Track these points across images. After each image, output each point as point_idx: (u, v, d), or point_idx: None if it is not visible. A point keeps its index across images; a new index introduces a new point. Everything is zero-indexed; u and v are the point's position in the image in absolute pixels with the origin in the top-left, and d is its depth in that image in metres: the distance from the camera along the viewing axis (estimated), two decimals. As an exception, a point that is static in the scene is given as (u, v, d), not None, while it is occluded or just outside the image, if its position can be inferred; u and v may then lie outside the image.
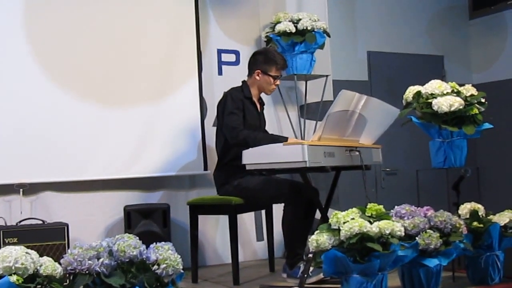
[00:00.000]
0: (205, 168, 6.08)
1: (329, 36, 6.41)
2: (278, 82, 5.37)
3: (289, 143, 4.51)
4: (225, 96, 5.26)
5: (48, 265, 3.17)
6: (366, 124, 4.86)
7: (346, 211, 3.85)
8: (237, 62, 6.45)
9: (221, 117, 5.20)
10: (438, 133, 4.85)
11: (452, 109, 4.65)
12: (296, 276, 4.79)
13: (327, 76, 6.53)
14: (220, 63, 6.42)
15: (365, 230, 3.68)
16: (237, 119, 5.09)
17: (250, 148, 4.64)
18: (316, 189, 5.18)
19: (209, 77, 6.30)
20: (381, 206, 3.96)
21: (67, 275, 3.26)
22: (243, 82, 5.39)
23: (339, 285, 3.95)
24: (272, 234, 5.70)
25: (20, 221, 5.13)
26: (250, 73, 5.38)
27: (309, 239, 3.87)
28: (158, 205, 5.75)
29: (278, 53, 5.45)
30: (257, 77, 5.31)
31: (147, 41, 5.95)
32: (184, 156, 6.02)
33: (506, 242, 4.65)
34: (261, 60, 5.32)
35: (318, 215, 5.06)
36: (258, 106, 5.43)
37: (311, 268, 4.55)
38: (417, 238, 4.08)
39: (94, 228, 5.67)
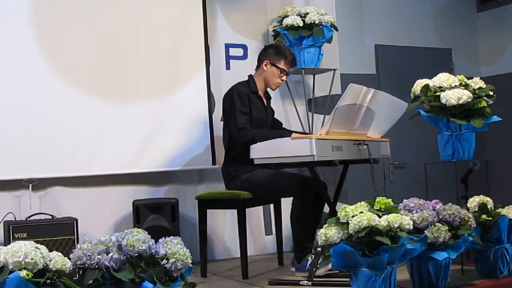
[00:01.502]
0: (214, 163, 6.09)
1: (336, 30, 6.41)
2: (284, 77, 5.36)
3: (297, 137, 4.51)
4: (231, 91, 5.25)
5: (57, 260, 3.19)
6: (374, 118, 4.86)
7: (354, 205, 3.85)
8: (244, 56, 6.45)
9: (228, 114, 5.20)
10: (446, 126, 4.84)
11: (460, 102, 4.63)
12: (304, 269, 4.80)
13: (334, 70, 6.53)
14: (228, 57, 6.42)
15: (373, 224, 3.68)
16: (245, 119, 5.09)
17: (258, 143, 4.64)
18: (324, 183, 5.18)
19: (217, 72, 6.30)
20: (389, 200, 3.97)
21: (77, 269, 3.27)
22: (249, 76, 5.39)
23: (347, 279, 3.96)
24: (281, 228, 5.71)
25: (30, 216, 5.14)
26: (258, 65, 5.39)
27: (318, 233, 3.88)
28: (167, 199, 5.76)
29: (289, 49, 5.47)
30: (265, 68, 5.31)
31: (154, 35, 5.95)
32: (192, 151, 6.03)
33: (515, 235, 4.65)
34: (271, 52, 5.34)
35: (326, 209, 5.06)
36: (265, 100, 5.43)
37: (320, 262, 4.56)
38: (425, 231, 4.08)
39: (103, 223, 5.69)
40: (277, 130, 5.42)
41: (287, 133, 5.00)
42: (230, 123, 5.16)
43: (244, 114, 5.11)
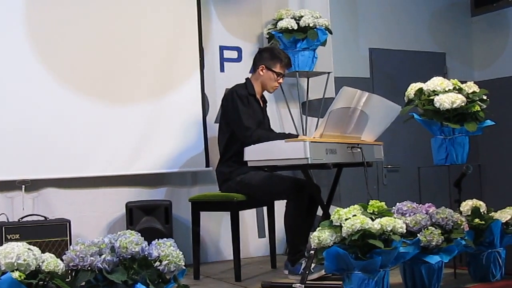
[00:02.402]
0: (207, 165, 6.08)
1: (331, 33, 6.41)
2: (281, 80, 5.38)
3: (291, 140, 4.51)
4: (231, 93, 5.25)
5: (50, 262, 3.17)
6: (368, 121, 4.86)
7: (348, 208, 3.85)
8: (239, 59, 6.45)
9: (231, 115, 5.18)
10: (440, 130, 4.85)
11: (454, 106, 4.64)
12: (298, 272, 4.80)
13: (329, 73, 6.53)
14: (222, 59, 6.43)
15: (366, 227, 3.68)
16: (250, 119, 5.10)
17: (252, 145, 4.64)
18: (318, 186, 5.19)
19: (211, 74, 6.30)
20: (383, 203, 3.97)
21: (69, 271, 3.26)
22: (247, 79, 5.40)
23: (340, 282, 3.96)
24: (274, 231, 5.71)
25: (22, 218, 5.14)
26: (255, 69, 5.39)
27: (311, 236, 3.88)
28: (160, 201, 5.75)
29: (283, 52, 5.48)
30: (261, 73, 5.32)
31: (149, 37, 5.95)
32: (186, 153, 6.03)
33: (508, 239, 4.65)
34: (266, 56, 5.34)
35: (320, 211, 5.07)
36: (261, 103, 5.43)
37: (313, 265, 4.56)
38: (418, 235, 4.09)
39: (96, 224, 5.68)
40: (283, 133, 5.44)
41: (293, 136, 5.01)
42: (234, 124, 5.16)
43: (248, 115, 5.12)
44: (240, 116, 5.10)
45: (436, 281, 4.21)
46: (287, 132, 5.75)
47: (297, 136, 5.01)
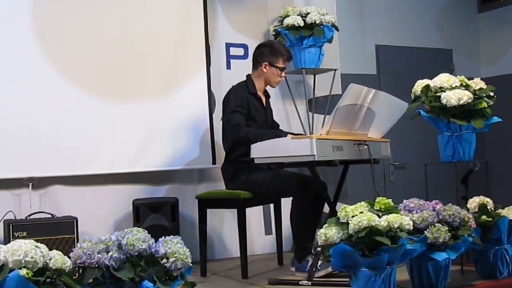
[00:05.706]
0: (214, 162, 6.08)
1: (337, 30, 6.41)
2: (283, 74, 5.38)
3: (297, 137, 4.50)
4: (229, 93, 5.27)
5: (57, 259, 3.18)
6: (375, 118, 4.86)
7: (354, 205, 3.85)
8: (245, 56, 6.44)
9: (225, 114, 5.21)
10: (446, 126, 4.84)
11: (461, 102, 4.63)
12: (304, 270, 4.80)
13: (335, 70, 6.53)
14: (229, 57, 6.42)
15: (373, 224, 3.69)
16: (239, 117, 5.10)
17: (259, 142, 4.64)
18: (324, 183, 5.18)
19: (218, 71, 6.30)
20: (389, 200, 3.97)
21: (76, 268, 3.27)
22: (247, 76, 5.39)
23: (347, 279, 3.96)
24: (281, 228, 5.71)
25: (30, 215, 5.14)
26: (256, 66, 5.39)
27: (318, 233, 3.88)
28: (167, 199, 5.75)
29: (282, 45, 5.49)
30: (264, 70, 5.32)
31: (155, 35, 5.95)
32: (192, 150, 6.03)
33: (515, 236, 4.65)
34: (267, 53, 5.34)
35: (326, 208, 5.06)
36: (264, 99, 5.43)
37: (320, 262, 4.56)
38: (425, 232, 4.08)
39: (103, 222, 5.69)
40: (272, 130, 5.41)
41: (282, 133, 5.00)
42: (225, 121, 5.18)
43: (238, 113, 5.12)
44: (230, 115, 5.12)
45: (443, 278, 4.21)
46: (292, 129, 5.75)
47: (286, 133, 4.98)
